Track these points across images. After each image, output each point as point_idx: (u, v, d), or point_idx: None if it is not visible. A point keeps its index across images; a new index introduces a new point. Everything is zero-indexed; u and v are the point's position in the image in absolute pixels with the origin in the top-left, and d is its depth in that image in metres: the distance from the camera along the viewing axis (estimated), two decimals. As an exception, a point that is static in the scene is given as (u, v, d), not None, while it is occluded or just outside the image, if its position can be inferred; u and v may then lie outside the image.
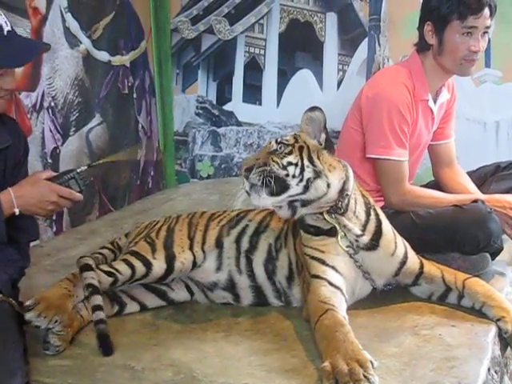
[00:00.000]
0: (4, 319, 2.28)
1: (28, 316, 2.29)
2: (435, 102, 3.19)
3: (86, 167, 2.56)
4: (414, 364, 2.18)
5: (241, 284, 2.73)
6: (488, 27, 3.01)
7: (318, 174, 2.44)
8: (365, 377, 1.94)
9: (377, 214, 2.62)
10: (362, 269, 2.55)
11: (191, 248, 2.76)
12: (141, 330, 2.56)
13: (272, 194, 2.40)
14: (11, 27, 2.35)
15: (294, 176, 2.42)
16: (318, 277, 2.47)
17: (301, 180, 2.43)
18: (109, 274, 2.59)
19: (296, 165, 2.43)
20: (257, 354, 2.31)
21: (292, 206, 2.49)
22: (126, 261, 2.65)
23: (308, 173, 2.43)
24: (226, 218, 2.90)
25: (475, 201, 2.96)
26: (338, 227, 2.51)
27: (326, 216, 2.51)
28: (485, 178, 3.34)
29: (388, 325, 2.51)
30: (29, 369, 2.19)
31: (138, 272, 2.63)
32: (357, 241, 2.53)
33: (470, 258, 2.93)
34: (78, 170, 2.51)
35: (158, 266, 2.67)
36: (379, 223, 2.60)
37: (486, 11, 2.96)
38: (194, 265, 2.74)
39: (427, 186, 3.37)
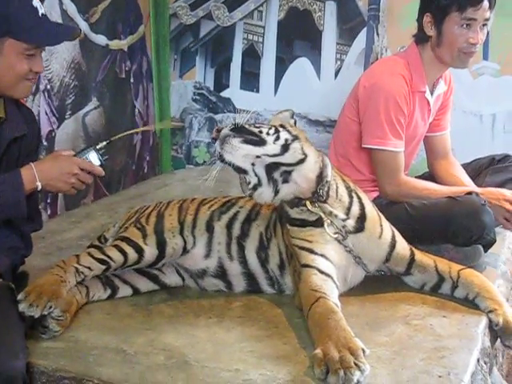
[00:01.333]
0: (5, 303, 2.30)
1: (20, 308, 2.29)
2: (432, 93, 3.19)
3: (105, 143, 2.56)
4: (404, 353, 2.20)
5: (232, 271, 2.73)
6: (487, 19, 3.01)
7: (295, 137, 2.47)
8: (355, 364, 1.95)
9: (359, 198, 2.62)
10: (353, 253, 2.55)
11: (181, 233, 2.76)
12: (133, 315, 2.57)
13: (245, 142, 2.40)
14: (44, 11, 2.39)
15: (268, 134, 2.44)
16: (307, 266, 2.47)
17: (277, 138, 2.44)
18: (101, 261, 2.59)
19: (270, 128, 2.47)
20: (249, 340, 2.33)
21: (272, 178, 2.46)
22: (118, 247, 2.65)
23: (284, 134, 2.46)
24: (216, 203, 2.90)
25: (469, 193, 2.97)
26: (322, 216, 2.51)
27: (309, 206, 2.50)
28: (480, 170, 3.35)
29: (379, 314, 2.53)
30: (28, 351, 2.20)
31: (130, 259, 2.64)
32: (344, 226, 2.54)
33: (463, 250, 2.94)
34: (98, 146, 2.51)
35: (150, 252, 2.68)
36: (362, 206, 2.61)
37: (486, 3, 2.96)
38: (184, 250, 2.74)
39: (422, 177, 3.39)
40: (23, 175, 2.32)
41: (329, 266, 2.49)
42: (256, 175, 2.47)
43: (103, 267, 2.60)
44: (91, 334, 2.38)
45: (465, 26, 2.98)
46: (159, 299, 2.71)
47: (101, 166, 2.50)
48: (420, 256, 2.68)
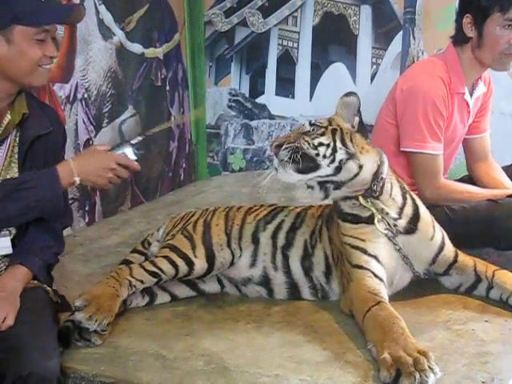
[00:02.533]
0: (40, 305, 2.34)
1: (79, 317, 2.32)
2: (471, 95, 3.15)
3: (141, 138, 2.58)
4: (446, 359, 2.17)
5: (276, 280, 2.73)
6: None
7: (350, 156, 2.45)
8: (429, 367, 1.96)
9: (413, 199, 2.63)
10: (402, 252, 2.53)
11: (229, 245, 2.77)
12: (173, 320, 2.58)
13: (299, 171, 2.42)
14: None
15: (324, 156, 2.43)
16: (361, 267, 2.47)
17: (332, 161, 2.43)
18: (153, 274, 2.61)
19: (328, 146, 2.44)
20: (288, 346, 2.32)
21: (324, 187, 2.49)
22: (168, 259, 2.66)
23: (340, 154, 2.44)
24: (262, 212, 2.90)
25: (510, 195, 2.92)
26: (374, 211, 2.50)
27: (362, 200, 2.51)
28: (520, 172, 3.30)
29: (420, 319, 2.49)
30: (60, 354, 2.22)
31: (181, 271, 2.66)
32: (395, 225, 2.53)
33: (505, 254, 2.91)
34: (133, 142, 2.53)
35: (200, 265, 2.69)
36: (416, 207, 2.60)
37: None
38: (232, 263, 2.75)
39: (461, 180, 3.34)
40: (60, 171, 2.35)
41: (381, 270, 2.49)
42: (309, 187, 2.53)
43: (155, 280, 2.62)
44: (131, 340, 2.40)
45: (506, 26, 2.94)
46: (198, 305, 2.72)
47: (136, 161, 2.51)
48: (462, 257, 2.66)
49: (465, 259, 2.65)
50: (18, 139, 2.43)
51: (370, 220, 2.52)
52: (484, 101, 3.27)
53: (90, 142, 4.09)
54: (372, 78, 5.35)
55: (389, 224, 2.51)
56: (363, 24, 5.32)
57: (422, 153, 3.01)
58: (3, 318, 2.18)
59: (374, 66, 5.34)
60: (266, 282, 2.74)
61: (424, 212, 2.62)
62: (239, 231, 2.81)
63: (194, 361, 2.23)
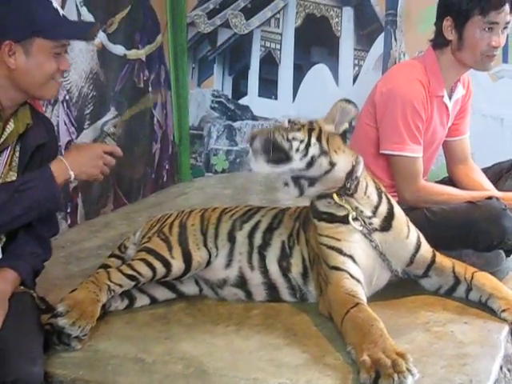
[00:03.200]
0: (26, 310, 2.33)
1: (62, 323, 2.30)
2: (450, 97, 3.16)
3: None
4: (424, 361, 2.17)
5: (253, 281, 2.72)
6: (508, 23, 2.97)
7: (322, 152, 2.47)
8: (407, 369, 1.97)
9: (388, 199, 2.64)
10: (379, 249, 2.54)
11: (205, 245, 2.76)
12: (152, 323, 2.57)
13: (270, 161, 2.44)
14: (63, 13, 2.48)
15: (297, 150, 2.45)
16: (338, 268, 2.47)
17: (305, 155, 2.46)
18: (131, 277, 2.60)
19: (302, 141, 2.47)
20: (267, 349, 2.31)
21: (298, 183, 2.52)
22: (145, 261, 2.65)
23: (313, 150, 2.47)
24: (238, 212, 2.90)
25: (490, 197, 2.93)
26: (348, 208, 2.52)
27: (336, 198, 2.52)
28: (500, 174, 3.30)
29: (400, 321, 2.49)
30: (45, 360, 2.21)
31: (159, 273, 2.65)
32: (370, 223, 2.54)
33: (484, 255, 2.90)
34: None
35: (177, 266, 2.68)
36: (391, 206, 2.62)
37: (507, 6, 2.92)
38: (208, 262, 2.75)
39: (441, 182, 3.35)
40: (54, 169, 2.38)
41: (358, 271, 2.49)
42: (283, 180, 2.55)
43: (133, 283, 2.61)
44: (110, 344, 2.38)
45: (487, 29, 2.95)
46: (177, 308, 2.71)
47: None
48: (440, 258, 2.67)
49: (443, 260, 2.67)
50: (19, 148, 2.45)
51: (345, 220, 2.53)
52: (463, 103, 3.28)
53: (72, 144, 4.06)
54: (354, 80, 5.38)
55: (364, 221, 2.53)
56: (345, 26, 5.34)
57: (402, 155, 3.02)
58: None
59: (356, 68, 5.37)
60: (242, 283, 2.72)
61: (398, 212, 2.64)
62: (215, 230, 2.81)
63: (173, 364, 2.22)
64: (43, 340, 2.27)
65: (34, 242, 2.50)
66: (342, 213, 2.54)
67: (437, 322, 2.49)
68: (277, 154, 2.44)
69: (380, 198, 2.61)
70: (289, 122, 2.53)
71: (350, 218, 2.52)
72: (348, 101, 2.59)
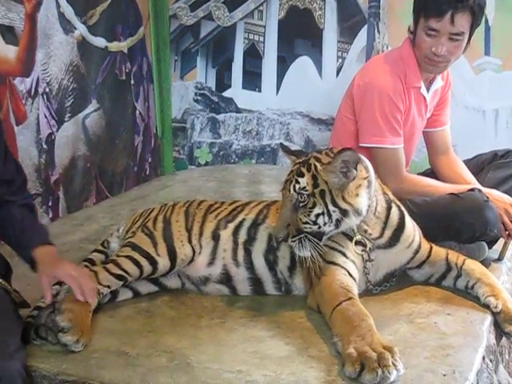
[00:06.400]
0: (1, 305, 2.28)
1: (66, 340, 2.26)
2: (428, 89, 3.16)
3: None
4: (408, 352, 2.18)
5: (238, 277, 2.71)
6: (456, 34, 2.90)
7: (345, 213, 2.42)
8: (393, 364, 1.98)
9: (398, 206, 2.64)
10: (367, 270, 2.56)
11: (190, 241, 2.75)
12: (135, 317, 2.56)
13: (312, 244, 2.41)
14: None
15: (324, 224, 2.42)
16: (337, 264, 2.48)
17: (331, 222, 2.42)
18: (119, 277, 2.59)
19: (323, 213, 2.41)
20: (251, 341, 2.31)
21: None
22: (131, 258, 2.63)
23: (335, 215, 2.42)
24: (223, 211, 2.88)
25: (472, 189, 2.94)
26: (355, 231, 2.51)
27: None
28: (482, 166, 3.32)
29: (383, 312, 2.50)
30: (26, 353, 2.19)
31: (145, 271, 2.64)
32: (375, 244, 2.56)
33: (467, 247, 2.92)
34: None
35: (163, 264, 2.67)
36: (402, 216, 2.62)
37: (449, 17, 2.86)
38: (192, 259, 2.73)
39: (424, 174, 3.36)
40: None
41: (356, 272, 2.51)
42: None
43: (121, 283, 2.60)
44: (93, 337, 2.36)
45: (428, 34, 2.93)
46: (161, 301, 2.69)
47: None
48: (434, 252, 2.70)
49: (437, 251, 2.70)
50: None
51: (348, 236, 2.54)
52: (442, 94, 3.29)
53: (52, 137, 4.03)
54: (338, 72, 5.39)
55: (366, 246, 2.54)
56: (328, 18, 5.34)
57: (382, 147, 3.02)
58: None
59: (340, 60, 5.37)
60: (227, 279, 2.72)
61: (408, 221, 2.64)
62: (200, 228, 2.79)
63: (156, 357, 2.22)
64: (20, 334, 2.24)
65: (20, 209, 2.48)
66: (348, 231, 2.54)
67: (420, 313, 2.50)
68: (313, 238, 2.41)
69: (389, 209, 2.60)
70: (295, 191, 2.42)
71: (354, 242, 2.52)
72: (345, 149, 2.41)
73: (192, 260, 2.73)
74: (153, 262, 2.65)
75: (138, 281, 2.71)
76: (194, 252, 2.73)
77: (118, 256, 2.68)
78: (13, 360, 2.05)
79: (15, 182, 2.52)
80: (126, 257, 2.65)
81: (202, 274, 2.73)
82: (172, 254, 2.69)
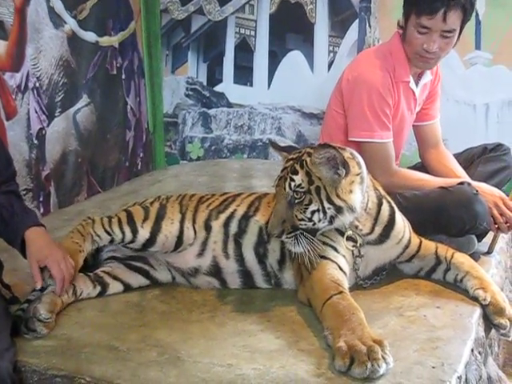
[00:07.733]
0: None
1: (39, 329, 2.32)
2: (417, 83, 3.17)
3: None
4: (397, 345, 2.19)
5: (227, 269, 2.72)
6: (448, 31, 2.91)
7: (339, 210, 2.42)
8: (382, 357, 1.98)
9: (389, 202, 2.65)
10: (357, 260, 2.56)
11: (182, 222, 2.76)
12: (126, 311, 2.56)
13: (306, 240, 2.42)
14: None
15: (319, 220, 2.42)
16: (328, 258, 2.48)
17: (325, 218, 2.43)
18: (108, 233, 2.69)
19: (318, 210, 2.41)
20: (241, 335, 2.32)
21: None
22: (120, 223, 2.72)
23: (330, 212, 2.42)
24: (214, 202, 2.89)
25: (461, 183, 2.95)
26: (346, 227, 2.52)
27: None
28: (472, 159, 3.33)
29: (373, 306, 2.51)
30: (16, 350, 2.19)
31: (126, 238, 2.70)
32: (365, 240, 2.57)
33: (457, 240, 2.92)
34: None
35: (142, 235, 2.70)
36: (392, 212, 2.63)
37: (441, 15, 2.86)
38: (179, 242, 2.73)
39: (414, 167, 3.37)
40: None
41: (346, 267, 2.52)
42: None
43: (109, 238, 2.70)
44: (83, 332, 2.37)
45: (419, 32, 2.93)
46: (151, 295, 2.70)
47: None
48: (424, 246, 2.71)
49: (427, 245, 2.71)
50: None
51: (340, 231, 2.54)
52: (432, 88, 3.29)
53: (43, 132, 4.02)
54: (329, 66, 5.38)
55: (356, 241, 2.54)
56: (320, 12, 5.33)
57: (371, 142, 3.02)
58: None
59: (331, 54, 5.37)
60: (216, 271, 2.72)
61: (398, 217, 2.65)
62: (193, 216, 2.80)
63: (147, 352, 2.22)
64: (10, 329, 2.24)
65: (6, 196, 2.48)
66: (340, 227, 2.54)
67: (410, 306, 2.51)
68: (307, 233, 2.42)
69: (380, 205, 2.60)
70: (290, 188, 2.41)
71: (345, 238, 2.53)
72: (324, 146, 2.41)
73: (180, 244, 2.73)
74: (134, 231, 2.70)
75: (129, 273, 2.74)
76: (180, 233, 2.74)
77: (114, 217, 2.77)
78: (2, 360, 2.05)
79: (2, 173, 2.51)
80: (118, 220, 2.73)
81: (191, 265, 2.73)
82: (155, 229, 2.71)
